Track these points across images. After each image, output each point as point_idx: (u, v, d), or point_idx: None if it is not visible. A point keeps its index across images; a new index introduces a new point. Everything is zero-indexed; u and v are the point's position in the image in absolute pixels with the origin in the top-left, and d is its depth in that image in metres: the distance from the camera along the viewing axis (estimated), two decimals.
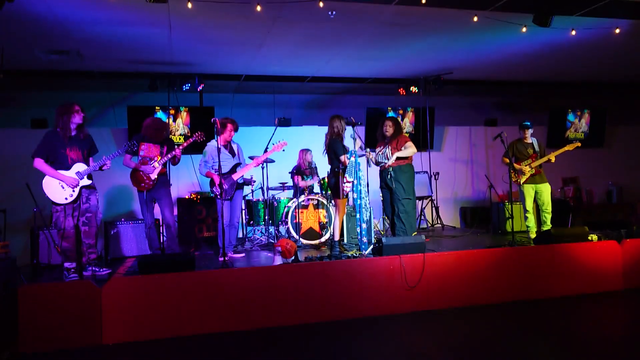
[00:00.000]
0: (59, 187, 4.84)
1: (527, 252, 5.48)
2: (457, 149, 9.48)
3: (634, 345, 3.97)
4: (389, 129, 6.07)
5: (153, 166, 5.51)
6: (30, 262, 5.95)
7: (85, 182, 4.96)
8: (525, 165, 6.62)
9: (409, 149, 5.93)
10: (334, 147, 5.62)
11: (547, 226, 6.63)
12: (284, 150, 5.92)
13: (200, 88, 7.74)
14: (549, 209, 6.67)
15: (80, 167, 4.92)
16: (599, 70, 8.50)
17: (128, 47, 6.40)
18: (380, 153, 6.08)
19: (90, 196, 5.03)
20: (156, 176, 5.52)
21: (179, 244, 6.58)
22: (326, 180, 6.95)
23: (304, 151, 7.30)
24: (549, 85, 9.48)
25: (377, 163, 6.15)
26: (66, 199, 4.86)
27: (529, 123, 6.75)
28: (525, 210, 6.73)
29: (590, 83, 9.50)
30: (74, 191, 4.89)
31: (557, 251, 5.48)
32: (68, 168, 4.88)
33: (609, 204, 9.40)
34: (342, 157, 5.52)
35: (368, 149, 6.28)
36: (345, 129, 5.74)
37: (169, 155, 5.53)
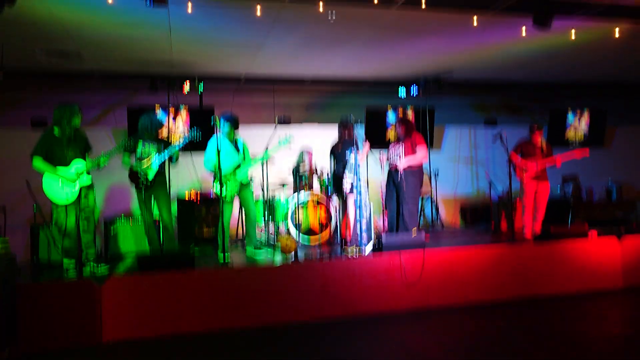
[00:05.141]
0: (58, 187, 4.86)
1: (527, 249, 5.49)
2: (457, 149, 9.49)
3: (634, 343, 3.97)
4: (400, 131, 6.28)
5: (150, 166, 5.51)
6: (30, 260, 5.96)
7: (84, 179, 4.97)
8: (531, 164, 6.66)
9: (419, 155, 6.05)
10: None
11: (538, 224, 6.68)
12: (289, 147, 5.90)
13: (200, 89, 7.75)
14: (544, 209, 6.73)
15: (78, 165, 4.94)
16: (599, 71, 8.50)
17: (128, 48, 6.40)
18: (394, 153, 6.21)
19: (88, 193, 5.05)
20: (153, 175, 5.52)
21: (178, 244, 6.58)
22: (326, 179, 7.00)
23: (305, 151, 7.32)
24: (548, 85, 9.48)
25: (387, 160, 6.28)
26: (67, 199, 4.88)
27: (536, 126, 6.82)
28: (524, 207, 6.76)
29: (590, 83, 9.50)
30: (73, 190, 4.90)
31: (556, 249, 5.49)
32: (66, 166, 4.90)
33: (608, 202, 9.39)
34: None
35: (379, 153, 6.37)
36: (339, 130, 6.33)
37: (166, 155, 5.54)
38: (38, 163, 4.82)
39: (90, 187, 5.09)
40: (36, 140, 4.91)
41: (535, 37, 6.24)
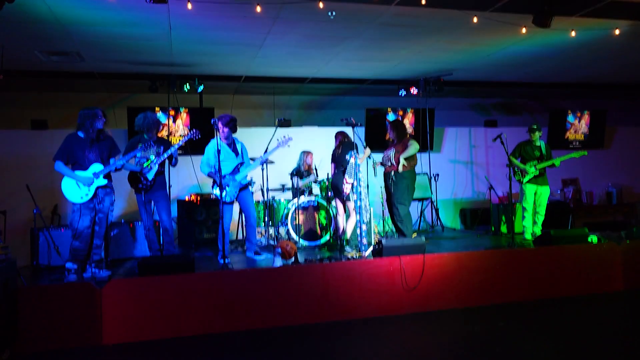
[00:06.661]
0: (75, 187, 4.98)
1: (527, 253, 5.49)
2: (457, 150, 9.48)
3: (633, 346, 3.97)
4: (392, 133, 6.37)
5: (149, 167, 5.50)
6: (30, 264, 5.95)
7: (101, 182, 5.03)
8: (530, 166, 6.64)
9: (411, 148, 6.07)
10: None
11: (538, 227, 6.70)
12: (289, 145, 5.89)
13: (200, 89, 7.74)
14: (543, 212, 6.74)
15: (96, 167, 5.04)
16: (599, 71, 8.50)
17: (128, 48, 6.39)
18: (385, 155, 6.28)
19: (104, 197, 5.11)
20: (153, 177, 5.51)
21: (178, 246, 6.56)
22: (327, 182, 6.99)
23: (305, 153, 7.30)
24: (548, 86, 9.47)
25: (382, 164, 6.33)
26: (82, 197, 4.98)
27: (535, 126, 6.80)
28: (524, 209, 6.76)
29: (590, 84, 9.49)
30: (89, 190, 4.98)
31: (556, 252, 5.49)
32: (85, 169, 5.01)
33: (608, 205, 9.40)
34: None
35: (374, 161, 6.41)
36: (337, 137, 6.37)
37: (166, 156, 5.52)
38: (59, 166, 4.96)
39: (107, 191, 5.13)
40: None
41: (535, 36, 6.23)
